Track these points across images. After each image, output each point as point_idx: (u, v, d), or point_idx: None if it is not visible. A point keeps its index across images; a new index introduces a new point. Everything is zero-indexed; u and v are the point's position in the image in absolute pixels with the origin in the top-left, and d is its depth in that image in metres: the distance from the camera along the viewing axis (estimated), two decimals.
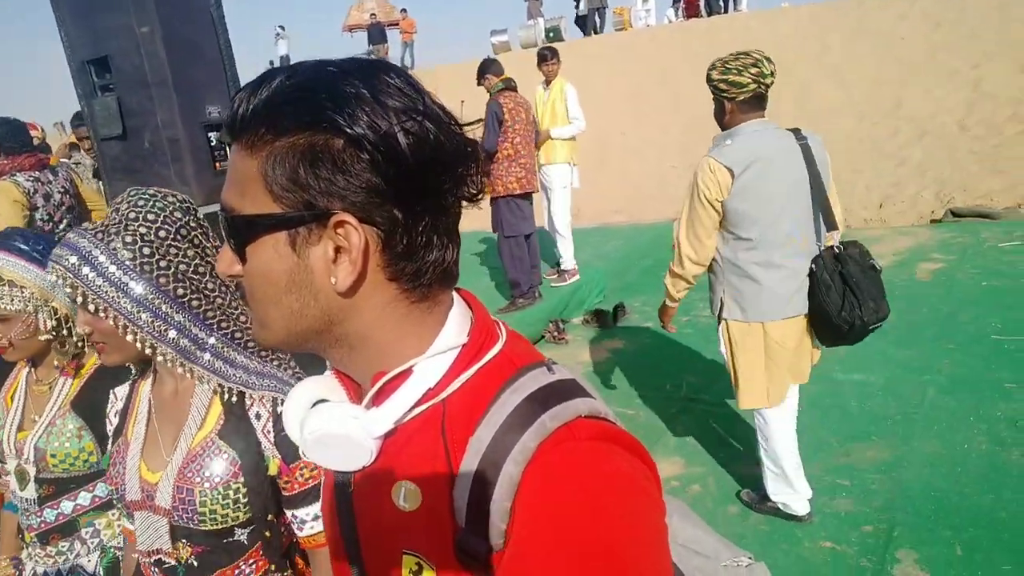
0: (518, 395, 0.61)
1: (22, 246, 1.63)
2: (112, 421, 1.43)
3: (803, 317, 2.60)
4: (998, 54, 9.85)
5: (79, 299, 1.21)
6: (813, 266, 2.52)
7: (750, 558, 0.83)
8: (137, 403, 1.38)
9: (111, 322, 1.21)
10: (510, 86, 5.24)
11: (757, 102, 2.60)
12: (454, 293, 0.70)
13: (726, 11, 16.16)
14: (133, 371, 1.44)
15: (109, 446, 1.42)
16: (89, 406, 1.68)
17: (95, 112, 3.33)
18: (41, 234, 2.06)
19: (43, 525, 1.68)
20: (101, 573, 1.73)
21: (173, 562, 1.30)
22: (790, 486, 2.77)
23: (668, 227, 7.74)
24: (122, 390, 1.44)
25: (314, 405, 0.70)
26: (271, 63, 16.51)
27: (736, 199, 2.54)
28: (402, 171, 0.59)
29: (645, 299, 5.95)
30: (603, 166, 10.47)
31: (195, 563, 1.29)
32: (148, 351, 1.24)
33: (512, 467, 0.58)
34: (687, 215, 2.72)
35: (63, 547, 1.71)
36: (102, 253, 1.21)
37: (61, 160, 4.81)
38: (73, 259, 1.21)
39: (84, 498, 1.71)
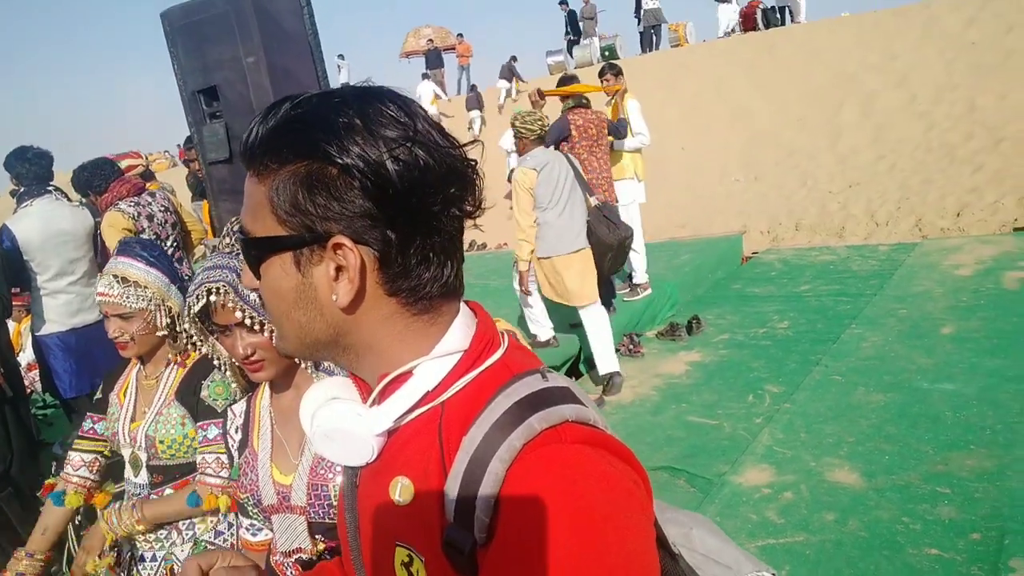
0: (509, 399, 0.64)
1: (141, 252, 1.83)
2: (234, 437, 1.53)
3: (586, 250, 4.48)
4: None
5: (240, 317, 1.31)
6: (589, 217, 4.50)
7: (773, 573, 0.83)
8: (257, 417, 1.48)
9: (266, 335, 1.31)
10: (580, 103, 5.37)
11: (539, 139, 4.49)
12: (462, 304, 0.74)
13: (783, 23, 16.00)
14: (218, 364, 1.59)
15: (236, 459, 1.51)
16: (190, 393, 1.84)
17: (204, 138, 3.55)
18: (153, 242, 2.29)
19: None
20: None
21: (310, 557, 1.40)
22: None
23: (737, 240, 7.71)
24: (239, 407, 1.54)
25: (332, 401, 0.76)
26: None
27: (540, 187, 4.35)
28: (392, 196, 0.63)
29: (719, 312, 5.93)
30: (665, 181, 10.45)
31: (328, 557, 1.37)
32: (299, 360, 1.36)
33: (498, 465, 0.60)
34: (517, 203, 4.44)
35: (161, 535, 1.87)
36: None
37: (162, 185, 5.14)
38: (231, 277, 1.32)
39: (169, 492, 1.86)
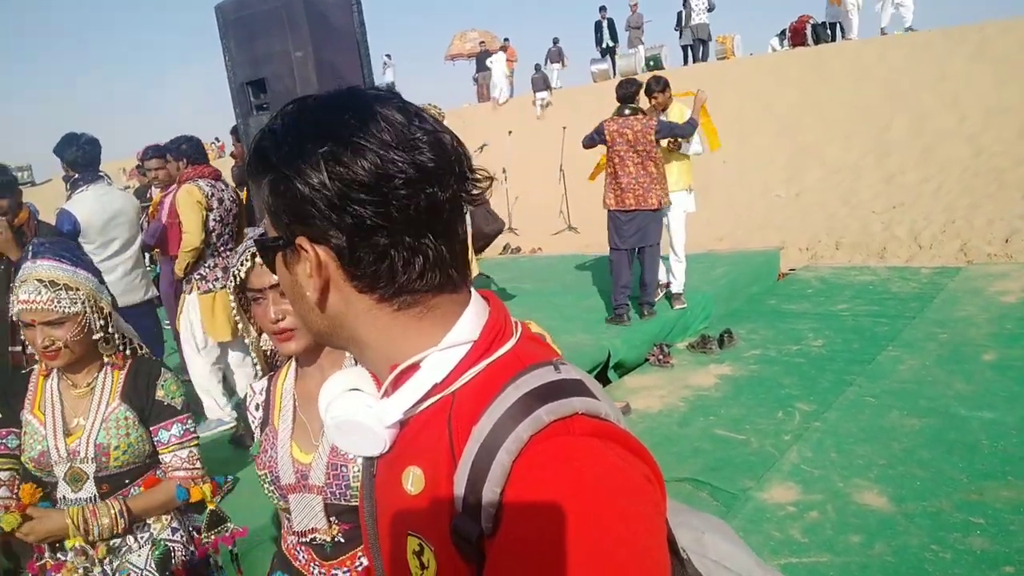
0: (520, 390, 0.64)
1: (62, 252, 1.72)
2: (255, 415, 1.53)
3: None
4: None
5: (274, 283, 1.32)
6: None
7: None
8: (278, 399, 1.49)
9: None
10: (621, 112, 5.42)
11: None
12: (475, 293, 0.75)
13: (834, 39, 15.76)
14: (249, 343, 1.57)
15: (257, 435, 1.52)
16: (139, 395, 1.79)
17: (250, 129, 3.64)
18: (67, 242, 2.12)
19: None
20: (154, 566, 1.79)
21: (325, 539, 1.41)
22: None
23: (775, 255, 7.62)
24: (259, 384, 1.55)
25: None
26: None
27: None
28: (330, 202, 0.65)
29: (752, 326, 5.86)
30: (705, 192, 10.34)
31: (342, 539, 1.39)
32: None
33: (505, 456, 0.60)
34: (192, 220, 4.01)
35: (114, 543, 1.76)
36: None
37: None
38: None
39: (136, 492, 1.79)
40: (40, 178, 27.06)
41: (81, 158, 4.00)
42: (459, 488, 0.63)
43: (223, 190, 4.18)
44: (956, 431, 3.68)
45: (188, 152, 4.17)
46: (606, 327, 5.50)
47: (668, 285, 5.94)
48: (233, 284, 1.44)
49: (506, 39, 20.28)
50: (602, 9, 19.04)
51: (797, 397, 4.39)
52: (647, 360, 5.32)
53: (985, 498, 3.07)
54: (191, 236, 3.94)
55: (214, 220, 4.05)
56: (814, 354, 5.11)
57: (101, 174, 4.07)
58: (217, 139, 23.32)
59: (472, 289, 0.75)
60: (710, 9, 17.07)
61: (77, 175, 4.04)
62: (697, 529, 0.78)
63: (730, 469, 3.60)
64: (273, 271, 0.76)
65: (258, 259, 1.35)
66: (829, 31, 15.98)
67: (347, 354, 1.42)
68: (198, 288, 4.09)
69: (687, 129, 5.46)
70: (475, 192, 0.71)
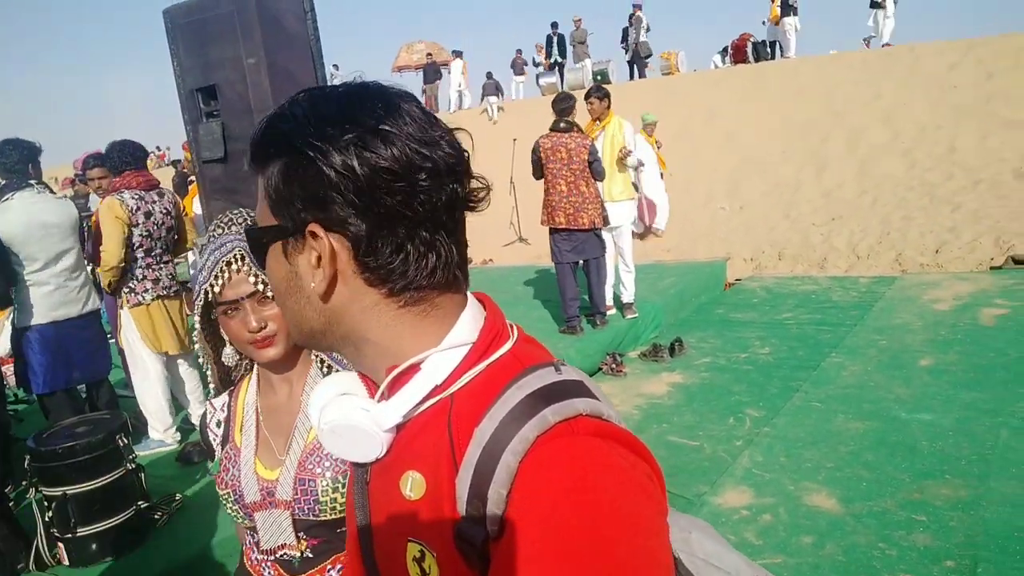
0: (522, 391, 0.63)
1: None
2: (215, 431, 1.47)
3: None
4: None
5: (254, 283, 1.28)
6: None
7: None
8: (240, 414, 1.44)
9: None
10: (556, 127, 5.36)
11: None
12: (471, 296, 0.74)
13: (774, 57, 16.32)
14: (202, 359, 1.48)
15: (218, 453, 1.46)
16: None
17: (200, 136, 3.54)
18: None
19: None
20: None
21: (294, 554, 1.38)
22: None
23: (721, 266, 7.80)
24: (219, 400, 1.49)
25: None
26: None
27: None
28: (358, 187, 0.64)
29: (702, 335, 5.99)
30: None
31: (311, 555, 1.36)
32: None
33: (510, 457, 0.60)
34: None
35: None
36: None
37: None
38: (242, 245, 1.28)
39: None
40: None
41: (7, 165, 3.80)
42: (462, 491, 0.62)
43: (154, 201, 3.98)
44: (897, 433, 3.82)
45: (116, 161, 3.98)
46: (560, 337, 5.53)
47: (617, 298, 6.01)
48: (201, 302, 1.36)
49: (456, 51, 20.30)
50: (553, 25, 19.47)
51: (747, 404, 4.49)
52: (600, 369, 5.38)
53: (926, 496, 3.20)
54: (107, 255, 3.78)
55: (140, 235, 3.89)
56: (762, 361, 5.25)
57: (31, 182, 3.84)
58: (158, 148, 22.66)
59: (468, 292, 0.75)
60: (647, 30, 17.74)
61: (4, 183, 3.84)
62: (684, 529, 0.78)
63: (684, 475, 3.66)
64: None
65: (234, 267, 1.30)
66: (769, 49, 16.55)
67: (314, 365, 1.40)
68: (128, 302, 3.95)
69: (599, 174, 5.31)
70: (481, 196, 0.72)
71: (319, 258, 0.67)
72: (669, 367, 5.35)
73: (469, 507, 0.61)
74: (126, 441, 3.07)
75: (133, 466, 3.10)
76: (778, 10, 15.69)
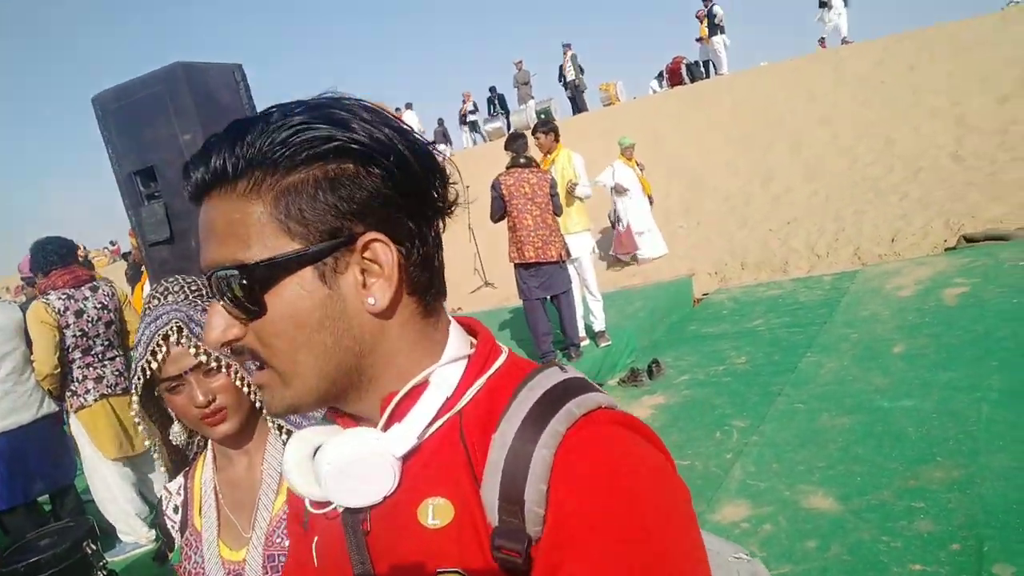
0: (536, 391, 0.62)
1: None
2: (173, 518, 1.38)
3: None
4: (976, 90, 10.19)
5: (195, 355, 1.20)
6: None
7: (750, 554, 0.87)
8: (197, 494, 1.36)
9: (226, 374, 1.21)
10: (516, 163, 5.42)
11: None
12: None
13: (708, 76, 16.78)
14: (151, 444, 1.36)
15: (177, 541, 1.37)
16: None
17: (143, 219, 3.46)
18: None
19: None
20: None
21: None
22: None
23: (687, 283, 7.85)
24: (174, 485, 1.40)
25: (318, 451, 0.70)
26: None
27: None
28: (410, 181, 0.63)
29: (677, 354, 5.97)
30: (604, 233, 10.66)
31: None
32: (256, 400, 1.26)
33: (545, 451, 0.58)
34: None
35: None
36: (196, 312, 1.24)
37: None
38: (180, 316, 1.21)
39: None
40: None
41: None
42: (491, 500, 0.60)
43: (85, 298, 3.81)
44: (883, 423, 3.81)
45: (40, 261, 3.80)
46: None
47: (589, 328, 5.99)
48: (139, 382, 1.25)
49: (407, 104, 20.45)
50: (492, 89, 20.45)
51: (731, 415, 4.46)
52: None
53: (921, 482, 3.17)
54: (39, 363, 3.65)
55: (73, 335, 3.75)
56: (739, 371, 5.24)
57: None
58: (112, 242, 22.33)
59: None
60: (581, 70, 18.35)
61: None
62: None
63: None
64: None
65: (172, 339, 1.22)
66: (703, 68, 17.03)
67: (272, 432, 1.32)
68: (71, 406, 3.81)
69: (558, 208, 5.40)
70: (456, 201, 0.72)
71: (362, 272, 0.62)
72: (649, 390, 5.31)
73: (503, 514, 0.59)
74: (95, 547, 2.92)
75: (104, 573, 2.94)
76: (707, 30, 16.21)
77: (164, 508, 1.40)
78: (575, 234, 5.74)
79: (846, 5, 14.40)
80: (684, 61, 17.33)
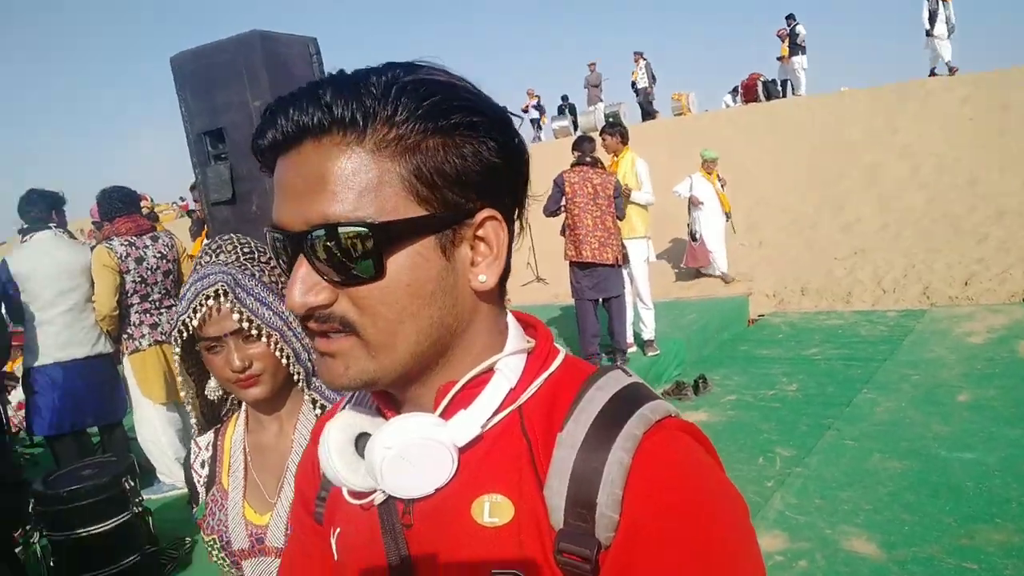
0: (606, 392, 0.60)
1: None
2: (200, 472, 1.37)
3: None
4: None
5: (238, 321, 1.17)
6: None
7: None
8: (227, 454, 1.35)
9: (264, 342, 1.19)
10: (582, 161, 5.38)
11: None
12: None
13: (784, 96, 16.34)
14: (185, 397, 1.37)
15: (202, 496, 1.36)
16: None
17: (208, 179, 3.51)
18: None
19: None
20: None
21: None
22: None
23: (743, 301, 7.65)
24: (204, 439, 1.39)
25: (358, 438, 0.67)
26: None
27: None
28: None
29: (726, 372, 5.80)
30: (671, 242, 10.47)
31: None
32: (292, 371, 1.23)
33: (622, 455, 0.56)
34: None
35: None
36: (245, 277, 1.21)
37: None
38: (228, 279, 1.19)
39: None
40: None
41: (28, 211, 3.88)
42: (555, 502, 0.57)
43: (146, 246, 3.97)
44: (939, 473, 3.61)
45: (106, 208, 4.02)
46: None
47: (637, 336, 5.87)
48: (179, 338, 1.24)
49: None
50: (564, 98, 20.88)
51: (776, 442, 4.30)
52: None
53: (976, 542, 2.98)
54: (99, 304, 3.83)
55: (132, 281, 3.90)
56: (790, 398, 5.05)
57: (51, 225, 3.91)
58: (181, 198, 23.06)
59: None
60: (654, 80, 18.23)
61: (27, 227, 3.94)
62: None
63: None
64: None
65: (211, 303, 1.19)
66: (780, 87, 16.59)
67: (306, 402, 1.28)
68: (127, 349, 3.97)
69: (620, 211, 5.32)
70: None
71: (472, 248, 0.61)
72: (694, 405, 5.16)
73: (570, 517, 0.57)
74: (132, 484, 3.04)
75: (139, 510, 3.04)
76: (787, 49, 15.79)
77: (192, 462, 1.40)
78: (632, 240, 5.63)
79: (949, 36, 13.81)
80: (760, 78, 16.91)
